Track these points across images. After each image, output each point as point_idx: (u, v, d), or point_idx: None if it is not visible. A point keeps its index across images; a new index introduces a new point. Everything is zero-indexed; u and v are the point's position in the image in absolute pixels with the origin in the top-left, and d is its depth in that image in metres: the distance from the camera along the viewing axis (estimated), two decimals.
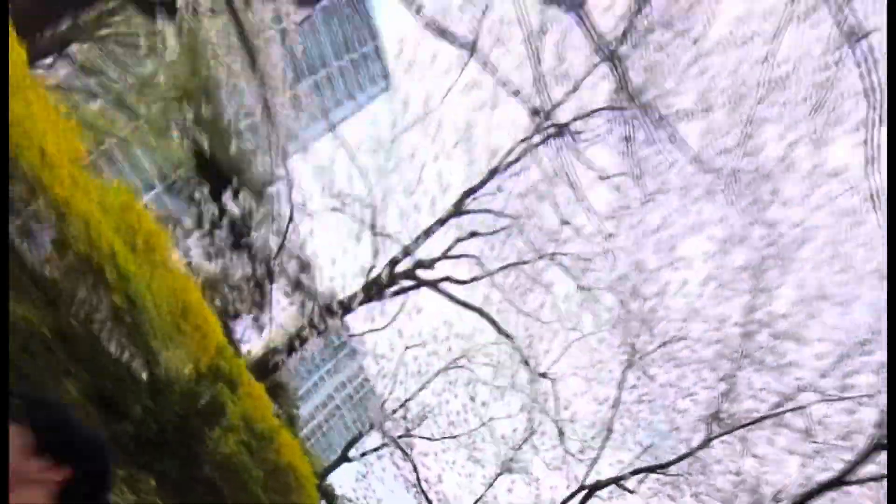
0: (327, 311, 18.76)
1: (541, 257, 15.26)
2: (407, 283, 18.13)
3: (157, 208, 13.76)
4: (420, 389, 19.94)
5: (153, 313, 6.46)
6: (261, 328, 16.81)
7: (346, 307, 18.31)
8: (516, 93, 12.76)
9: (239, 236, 14.58)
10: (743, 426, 12.55)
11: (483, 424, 19.63)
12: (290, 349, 18.62)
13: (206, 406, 7.38)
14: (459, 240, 17.32)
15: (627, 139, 12.45)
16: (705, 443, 13.37)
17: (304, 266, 18.15)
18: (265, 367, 17.45)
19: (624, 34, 10.80)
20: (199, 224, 13.59)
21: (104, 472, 1.62)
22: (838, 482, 10.42)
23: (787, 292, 11.33)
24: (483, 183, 15.45)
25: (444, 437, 20.26)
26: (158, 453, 6.35)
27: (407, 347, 19.75)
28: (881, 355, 10.06)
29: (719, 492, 13.84)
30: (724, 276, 12.38)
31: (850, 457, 10.69)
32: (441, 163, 16.42)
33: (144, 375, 6.51)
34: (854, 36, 7.58)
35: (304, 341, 18.24)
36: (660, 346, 14.78)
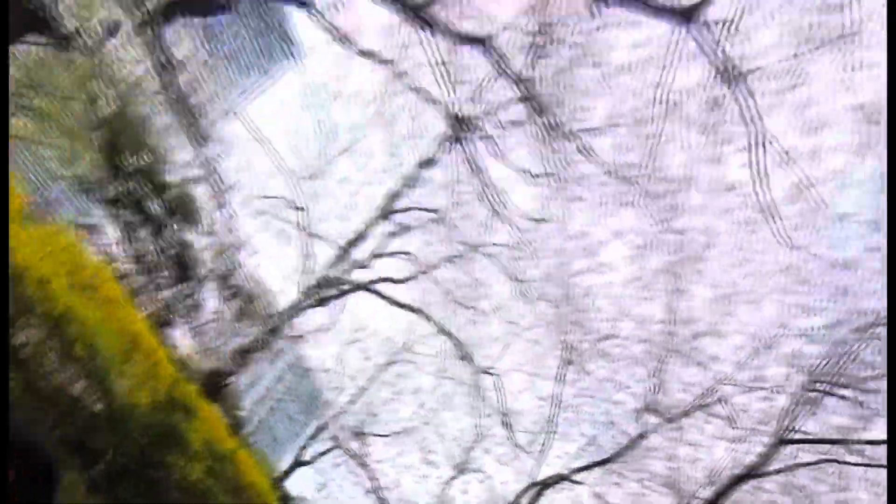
0: (272, 329, 18.68)
1: (473, 250, 15.45)
2: (345, 287, 18.18)
3: (76, 215, 13.29)
4: (365, 388, 20.07)
5: (106, 350, 6.53)
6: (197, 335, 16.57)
7: (292, 315, 18.28)
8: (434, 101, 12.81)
9: (164, 240, 14.39)
10: (673, 418, 13.26)
11: (426, 423, 19.95)
12: (239, 365, 18.50)
13: (167, 436, 7.49)
14: (393, 234, 17.48)
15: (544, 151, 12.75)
16: (642, 434, 14.06)
17: (235, 273, 17.94)
18: (216, 388, 17.33)
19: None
20: (121, 228, 13.32)
21: (47, 473, 1.65)
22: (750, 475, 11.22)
23: (703, 292, 11.92)
24: (409, 182, 15.60)
25: (395, 433, 20.51)
26: (128, 486, 6.45)
27: (348, 343, 19.74)
28: (790, 347, 10.81)
29: (660, 476, 14.59)
30: (644, 279, 12.92)
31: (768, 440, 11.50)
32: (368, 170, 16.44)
33: (103, 411, 6.54)
34: (732, 78, 8.03)
35: (250, 354, 18.14)
36: (592, 344, 15.34)
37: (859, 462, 10.32)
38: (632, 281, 13.33)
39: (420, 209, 16.32)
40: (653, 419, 14.43)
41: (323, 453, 21.08)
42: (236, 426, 18.23)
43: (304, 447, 21.01)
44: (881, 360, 9.68)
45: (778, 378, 11.36)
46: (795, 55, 8.31)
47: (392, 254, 17.84)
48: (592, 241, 13.51)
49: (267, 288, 19.00)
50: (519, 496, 17.45)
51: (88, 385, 6.30)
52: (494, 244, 15.10)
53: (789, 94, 8.78)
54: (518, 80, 11.29)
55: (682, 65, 8.79)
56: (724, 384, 12.23)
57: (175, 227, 14.55)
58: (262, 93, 20.02)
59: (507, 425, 18.62)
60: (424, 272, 17.23)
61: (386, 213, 17.27)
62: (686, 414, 13.02)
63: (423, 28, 9.65)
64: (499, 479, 19.45)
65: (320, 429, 20.98)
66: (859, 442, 10.25)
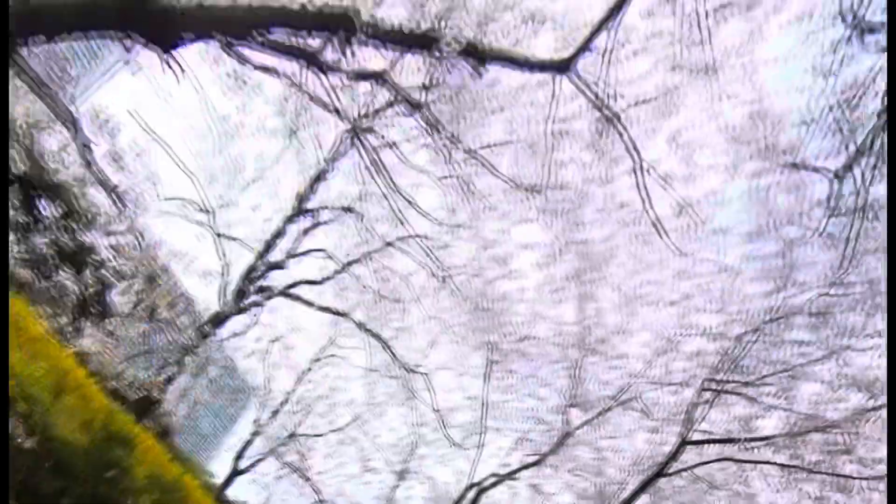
0: (200, 333, 18.41)
1: (388, 244, 15.49)
2: (264, 294, 18.04)
3: None
4: (295, 386, 20.07)
5: (38, 394, 6.45)
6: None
7: (217, 323, 18.04)
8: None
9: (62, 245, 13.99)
10: (594, 413, 14.00)
11: (353, 419, 20.15)
12: (168, 380, 18.19)
13: (112, 475, 7.46)
14: (306, 231, 17.44)
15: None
16: (568, 432, 14.77)
17: (153, 277, 17.59)
18: (147, 406, 17.04)
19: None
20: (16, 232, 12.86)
21: None
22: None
23: (609, 296, 12.53)
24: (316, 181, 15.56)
25: (331, 431, 20.63)
26: None
27: (272, 341, 19.62)
28: (691, 345, 11.59)
29: (589, 466, 15.38)
30: (554, 284, 13.43)
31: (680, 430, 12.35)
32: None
33: (45, 455, 6.49)
34: (610, 115, 8.44)
35: (178, 367, 17.89)
36: (513, 344, 15.86)
37: (754, 460, 11.27)
38: (543, 286, 13.82)
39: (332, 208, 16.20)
40: (576, 413, 15.14)
41: (259, 460, 20.99)
42: (165, 433, 17.94)
43: (239, 456, 20.86)
44: (773, 356, 10.58)
45: (683, 374, 12.14)
46: (667, 89, 8.77)
47: (307, 252, 17.75)
48: (502, 249, 13.89)
49: (186, 296, 18.63)
50: (461, 496, 17.97)
51: (25, 429, 6.25)
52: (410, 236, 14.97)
53: (665, 122, 9.25)
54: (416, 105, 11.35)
55: (567, 99, 9.12)
56: (637, 380, 12.96)
57: (73, 230, 14.11)
58: None
59: (441, 424, 19.06)
60: (342, 270, 17.23)
61: (298, 212, 17.15)
62: (606, 408, 13.73)
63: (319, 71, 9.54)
64: (441, 479, 19.96)
65: (255, 434, 20.85)
66: (756, 439, 11.17)
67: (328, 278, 17.52)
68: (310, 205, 16.83)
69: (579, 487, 16.30)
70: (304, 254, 17.70)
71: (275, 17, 7.20)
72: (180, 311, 18.27)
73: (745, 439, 11.14)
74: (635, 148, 8.94)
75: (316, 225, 16.82)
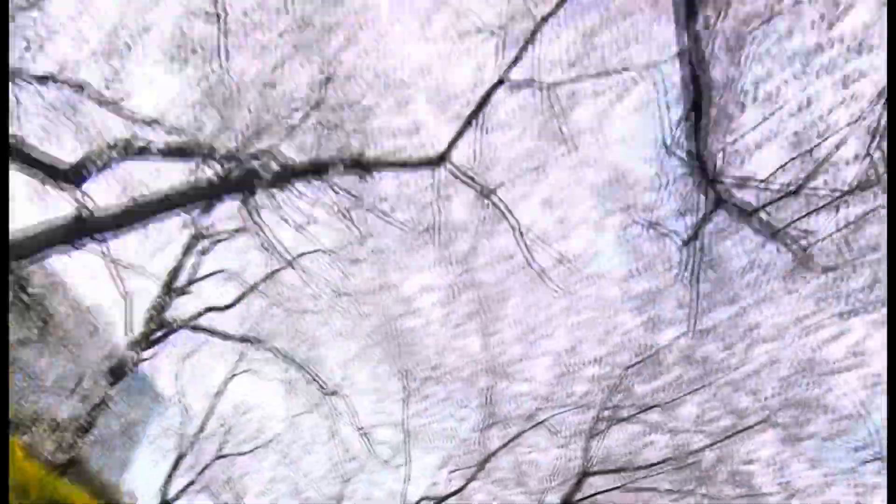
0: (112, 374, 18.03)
1: (289, 263, 15.46)
2: (170, 327, 17.79)
3: None
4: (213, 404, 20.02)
5: None
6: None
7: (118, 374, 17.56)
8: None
9: None
10: (510, 432, 14.85)
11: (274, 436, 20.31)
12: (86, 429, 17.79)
13: None
14: (203, 253, 17.31)
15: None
16: (491, 452, 15.58)
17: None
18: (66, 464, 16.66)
19: None
20: None
21: None
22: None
23: (510, 330, 13.32)
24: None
25: (257, 448, 20.72)
26: None
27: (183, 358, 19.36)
28: (593, 370, 12.55)
29: (511, 479, 16.29)
30: (457, 320, 14.09)
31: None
32: None
33: None
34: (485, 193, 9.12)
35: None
36: (427, 371, 16.48)
37: (649, 487, 12.38)
38: (446, 322, 14.44)
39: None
40: (495, 432, 15.95)
41: (186, 486, 20.78)
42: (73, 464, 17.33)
43: (167, 483, 20.56)
44: (660, 384, 11.68)
45: (583, 397, 13.12)
46: (537, 159, 9.48)
47: (208, 275, 17.58)
48: (404, 290, 14.42)
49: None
50: None
51: None
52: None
53: (537, 186, 9.96)
54: None
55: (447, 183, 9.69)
56: (544, 403, 13.86)
57: None
58: None
59: (368, 447, 19.50)
60: (246, 294, 17.19)
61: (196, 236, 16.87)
62: (521, 430, 14.59)
63: None
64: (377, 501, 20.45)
65: (180, 457, 20.57)
66: (646, 466, 12.27)
67: (232, 305, 17.36)
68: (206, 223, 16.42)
69: (504, 497, 17.19)
70: (204, 278, 17.47)
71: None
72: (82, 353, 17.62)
73: (638, 468, 12.20)
74: (512, 215, 9.62)
75: (216, 243, 16.56)
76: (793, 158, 6.56)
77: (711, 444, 11.25)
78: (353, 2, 8.70)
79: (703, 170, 6.74)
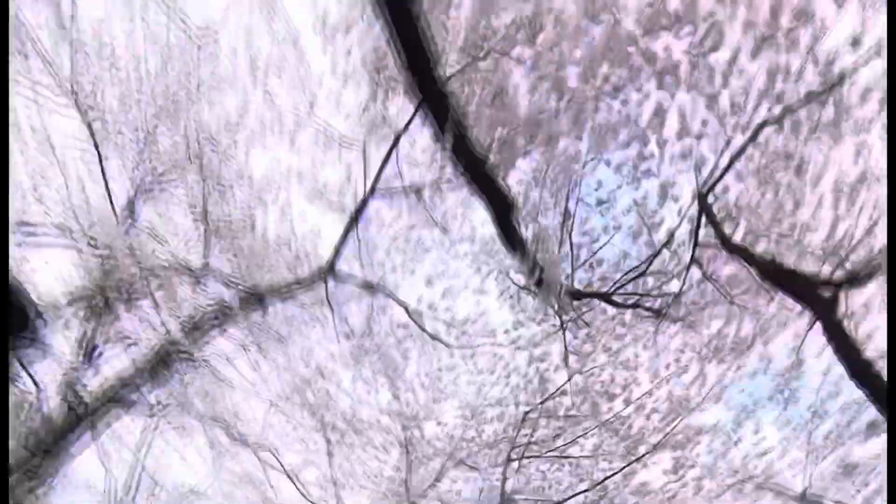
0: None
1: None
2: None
3: None
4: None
5: None
6: None
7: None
8: None
9: None
10: (434, 476, 15.53)
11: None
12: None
13: None
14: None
15: None
16: (420, 493, 16.17)
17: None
18: None
19: None
20: None
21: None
22: None
23: (416, 380, 13.94)
24: None
25: None
26: None
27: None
28: (494, 412, 13.37)
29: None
30: (364, 381, 14.59)
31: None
32: None
33: None
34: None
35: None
36: (345, 423, 16.86)
37: None
38: (355, 383, 14.90)
39: None
40: (420, 472, 16.56)
41: None
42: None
43: None
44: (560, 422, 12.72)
45: (493, 435, 14.00)
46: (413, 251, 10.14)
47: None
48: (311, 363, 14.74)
49: None
50: None
51: None
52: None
53: (419, 266, 10.63)
54: None
55: None
56: (460, 441, 14.62)
57: None
58: None
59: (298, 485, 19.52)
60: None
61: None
62: (443, 469, 15.29)
63: None
64: None
65: None
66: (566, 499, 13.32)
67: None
68: None
69: None
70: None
71: None
72: None
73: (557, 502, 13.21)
74: (402, 302, 10.26)
75: None
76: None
77: (612, 474, 12.38)
78: None
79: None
